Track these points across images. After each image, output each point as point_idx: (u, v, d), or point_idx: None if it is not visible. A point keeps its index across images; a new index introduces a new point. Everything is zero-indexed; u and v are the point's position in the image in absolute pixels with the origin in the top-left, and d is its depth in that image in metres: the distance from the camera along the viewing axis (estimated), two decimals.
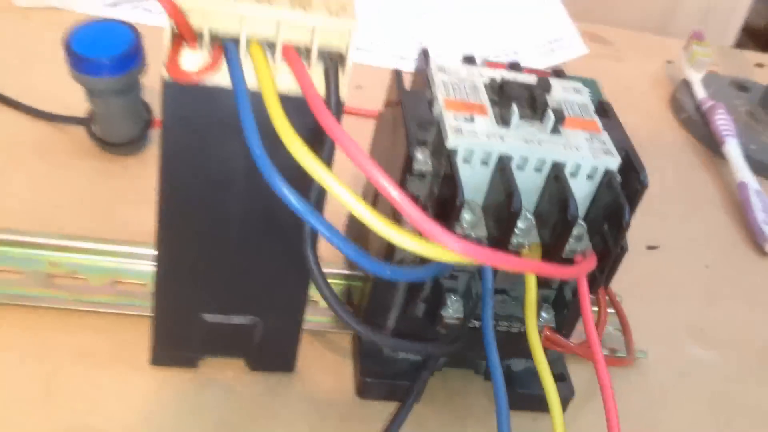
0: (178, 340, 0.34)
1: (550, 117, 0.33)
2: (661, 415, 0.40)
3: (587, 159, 0.32)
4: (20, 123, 0.46)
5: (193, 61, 0.27)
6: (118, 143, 0.44)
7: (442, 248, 0.26)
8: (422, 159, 0.32)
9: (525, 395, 0.37)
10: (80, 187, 0.43)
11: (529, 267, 0.30)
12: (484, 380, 0.39)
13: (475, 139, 0.32)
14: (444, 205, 0.32)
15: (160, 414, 0.34)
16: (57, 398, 0.33)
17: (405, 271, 0.31)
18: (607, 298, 0.39)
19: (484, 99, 0.34)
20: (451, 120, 0.32)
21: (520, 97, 0.34)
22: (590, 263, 0.32)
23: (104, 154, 0.45)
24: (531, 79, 0.36)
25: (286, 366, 0.36)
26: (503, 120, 0.33)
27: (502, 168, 0.32)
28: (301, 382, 0.36)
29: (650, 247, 0.51)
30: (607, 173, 0.33)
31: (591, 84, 0.48)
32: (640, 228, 0.51)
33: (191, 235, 0.31)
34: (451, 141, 0.31)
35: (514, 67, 0.38)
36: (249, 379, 0.36)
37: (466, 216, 0.32)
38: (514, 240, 0.32)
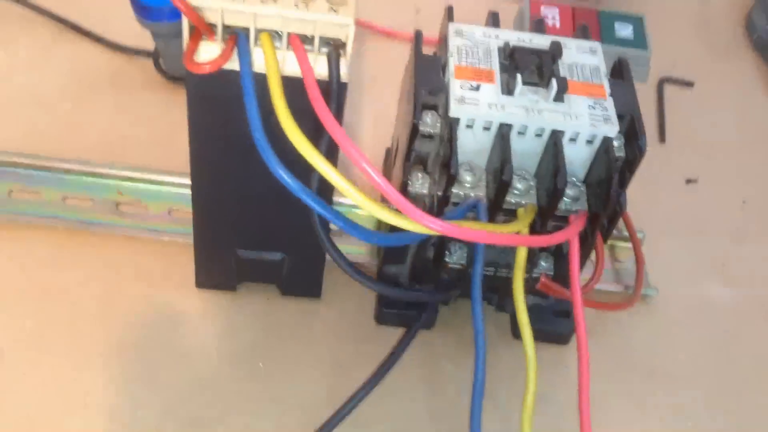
0: (215, 270, 0.40)
1: (554, 86, 0.35)
2: (661, 351, 0.43)
3: (585, 127, 0.34)
4: (95, 54, 0.51)
5: (210, 50, 0.30)
6: (181, 77, 0.49)
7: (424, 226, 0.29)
8: (431, 122, 0.35)
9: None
10: (147, 117, 0.48)
11: (511, 241, 0.33)
12: (495, 311, 0.43)
13: (477, 109, 0.34)
14: (446, 166, 0.35)
15: (202, 332, 0.40)
16: (113, 314, 0.40)
17: (390, 236, 0.35)
18: (606, 249, 0.41)
19: (495, 65, 0.36)
20: (456, 89, 0.35)
21: (528, 64, 0.36)
22: (577, 226, 0.34)
23: (170, 86, 0.49)
24: (546, 42, 0.37)
25: (313, 292, 0.41)
26: (508, 88, 0.35)
27: (502, 136, 0.34)
28: (326, 308, 0.41)
29: (689, 181, 0.52)
30: (605, 140, 0.35)
31: (635, 21, 0.48)
32: (680, 160, 0.53)
33: (221, 185, 0.36)
34: (453, 110, 0.34)
35: (538, 25, 0.39)
36: (280, 303, 0.41)
37: (467, 177, 0.35)
38: (512, 200, 0.35)
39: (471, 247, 0.37)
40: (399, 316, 0.41)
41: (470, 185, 0.35)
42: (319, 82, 0.30)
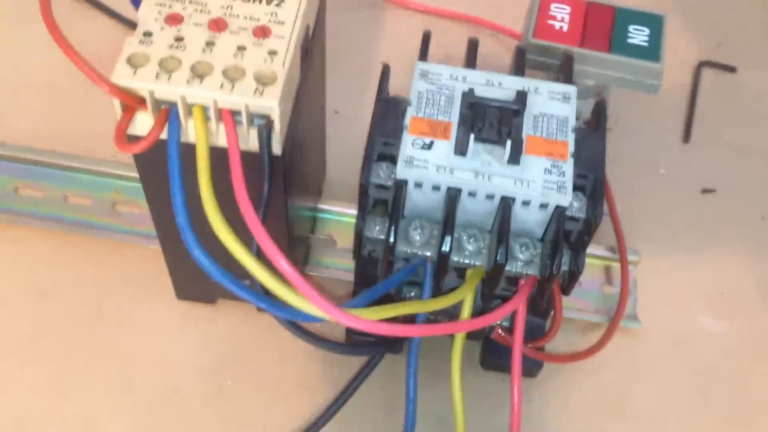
0: (191, 284, 0.42)
1: (507, 148, 0.33)
2: (635, 392, 0.43)
3: (537, 195, 0.33)
4: (112, 31, 0.52)
5: (146, 121, 0.31)
6: None
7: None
8: (384, 175, 0.35)
9: (494, 362, 0.42)
10: None
11: (431, 331, 0.32)
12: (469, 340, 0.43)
13: (425, 172, 0.33)
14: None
15: (179, 343, 0.42)
16: (100, 319, 0.42)
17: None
18: (600, 271, 0.41)
19: (454, 115, 0.35)
20: (407, 147, 0.34)
21: (487, 119, 0.34)
22: (524, 294, 0.34)
23: None
24: (518, 85, 0.35)
25: None
26: (460, 148, 0.34)
27: (449, 199, 0.34)
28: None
29: (706, 191, 0.49)
30: (558, 208, 0.34)
31: (654, 23, 0.45)
32: (701, 165, 0.50)
33: None
34: (400, 173, 0.33)
35: (519, 58, 0.37)
36: (255, 318, 0.43)
37: (416, 236, 0.35)
38: (463, 260, 0.35)
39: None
40: (369, 342, 0.42)
41: (420, 243, 0.35)
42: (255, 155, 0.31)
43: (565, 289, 0.37)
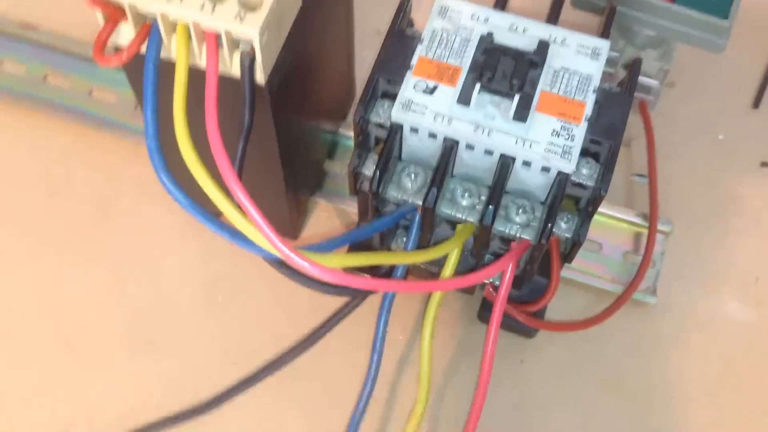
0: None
1: (514, 103, 0.31)
2: (638, 364, 0.40)
3: (538, 158, 0.30)
4: None
5: (129, 33, 0.29)
6: None
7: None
8: (383, 115, 0.32)
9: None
10: None
11: (401, 287, 0.31)
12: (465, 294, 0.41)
13: (421, 118, 0.31)
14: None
15: (178, 252, 0.42)
16: (108, 218, 0.43)
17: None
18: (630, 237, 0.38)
19: (466, 61, 0.32)
20: (408, 89, 0.31)
21: (500, 67, 0.31)
22: (509, 259, 0.32)
23: None
24: (543, 33, 0.32)
25: (286, 233, 0.42)
26: (464, 97, 0.31)
27: (444, 151, 0.31)
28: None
29: (766, 164, 0.45)
30: (560, 174, 0.31)
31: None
32: (762, 136, 0.45)
33: None
34: (395, 115, 0.31)
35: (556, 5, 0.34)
36: None
37: (407, 183, 0.33)
38: (456, 214, 0.33)
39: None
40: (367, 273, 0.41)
41: (411, 191, 0.33)
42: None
43: (567, 257, 0.34)
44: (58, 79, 0.46)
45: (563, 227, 0.33)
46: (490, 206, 0.31)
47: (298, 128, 0.37)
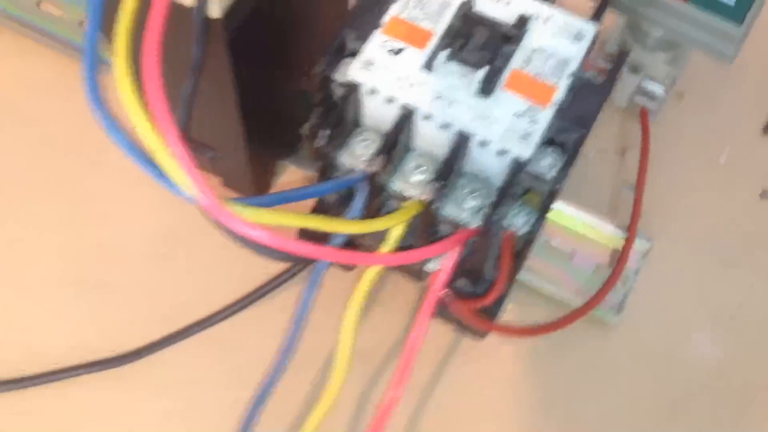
0: None
1: (479, 76, 0.28)
2: (580, 387, 0.38)
3: (495, 139, 0.28)
4: None
5: None
6: None
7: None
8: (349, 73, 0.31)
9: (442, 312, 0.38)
10: None
11: (318, 254, 0.29)
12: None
13: (380, 80, 0.29)
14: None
15: (139, 198, 0.40)
16: (80, 157, 0.41)
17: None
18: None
19: (441, 25, 0.30)
20: (373, 48, 0.29)
21: (474, 37, 0.29)
22: (446, 246, 0.30)
23: None
24: (526, 8, 0.30)
25: (253, 190, 0.40)
26: (429, 62, 0.29)
27: (398, 118, 0.29)
28: None
29: (765, 195, 0.42)
30: (514, 161, 0.28)
31: None
32: (762, 164, 0.42)
33: None
34: (351, 73, 0.29)
35: None
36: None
37: (358, 150, 0.31)
38: (406, 191, 0.31)
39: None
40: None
41: (363, 159, 0.31)
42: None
43: (518, 254, 0.32)
44: (50, 7, 0.44)
45: (519, 222, 0.31)
46: (437, 183, 0.29)
47: (268, 79, 0.35)
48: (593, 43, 0.30)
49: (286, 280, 0.37)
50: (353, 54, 0.31)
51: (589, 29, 0.30)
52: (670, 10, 0.37)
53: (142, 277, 0.39)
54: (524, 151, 0.28)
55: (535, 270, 0.39)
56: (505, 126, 0.28)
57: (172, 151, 0.26)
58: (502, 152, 0.29)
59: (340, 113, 0.30)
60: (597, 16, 0.31)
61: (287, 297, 0.37)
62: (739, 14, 0.37)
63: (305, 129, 0.31)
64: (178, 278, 0.39)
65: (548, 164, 0.29)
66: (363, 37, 0.30)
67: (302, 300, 0.31)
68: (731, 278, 0.40)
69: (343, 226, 0.30)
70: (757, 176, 0.42)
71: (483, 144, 0.29)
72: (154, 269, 0.39)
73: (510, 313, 0.38)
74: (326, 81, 0.30)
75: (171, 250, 0.40)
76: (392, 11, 0.30)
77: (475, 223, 0.30)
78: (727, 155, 0.43)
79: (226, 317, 0.37)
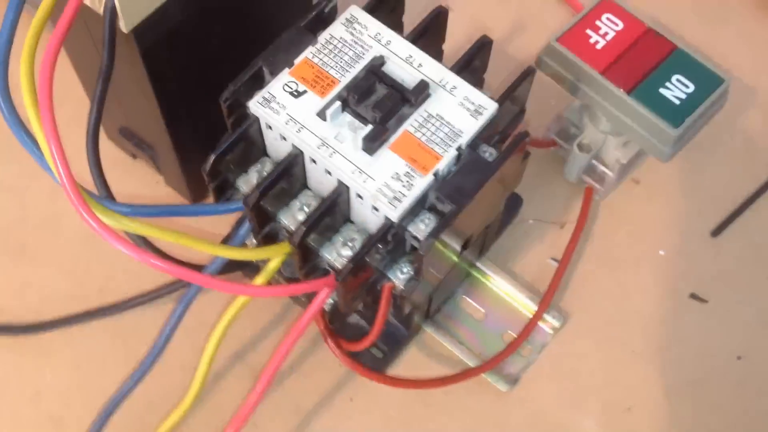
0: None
1: (364, 132, 0.29)
2: None
3: (367, 195, 0.29)
4: None
5: None
6: None
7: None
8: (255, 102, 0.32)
9: None
10: None
11: (187, 276, 0.29)
12: None
13: (274, 117, 0.30)
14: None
15: None
16: None
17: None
18: None
19: (348, 76, 0.31)
20: (276, 85, 0.30)
21: (377, 94, 0.30)
22: (309, 287, 0.30)
23: None
24: (432, 75, 0.31)
25: (188, 194, 0.42)
26: (323, 111, 0.30)
27: (288, 156, 0.30)
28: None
29: (695, 297, 0.41)
30: (387, 218, 0.29)
31: (709, 83, 0.37)
32: (705, 268, 0.41)
33: None
34: (251, 106, 0.30)
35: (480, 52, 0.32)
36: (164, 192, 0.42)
37: (253, 178, 0.32)
38: (285, 223, 0.31)
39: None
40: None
41: (253, 186, 0.32)
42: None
43: (397, 307, 0.33)
44: None
45: (400, 276, 0.32)
46: (304, 228, 0.29)
47: (197, 93, 0.35)
48: (491, 121, 0.30)
49: (169, 293, 0.39)
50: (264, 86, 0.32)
51: (489, 106, 0.30)
52: (614, 99, 0.37)
53: (67, 249, 0.41)
54: (392, 212, 0.29)
55: (444, 325, 0.40)
56: (379, 185, 0.29)
57: (48, 142, 0.27)
58: (374, 209, 0.29)
59: (246, 139, 0.31)
60: (504, 95, 0.31)
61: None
62: (679, 117, 0.36)
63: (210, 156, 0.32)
64: (103, 257, 0.41)
65: (422, 229, 0.30)
66: (274, 72, 0.31)
67: (170, 318, 0.32)
68: (634, 371, 0.39)
69: (217, 250, 0.31)
70: (692, 276, 0.41)
71: (359, 196, 0.30)
72: (81, 245, 0.41)
73: (410, 361, 0.39)
74: (235, 107, 0.32)
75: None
76: (307, 53, 0.31)
77: (340, 266, 0.31)
78: (667, 250, 0.42)
79: (129, 308, 0.39)
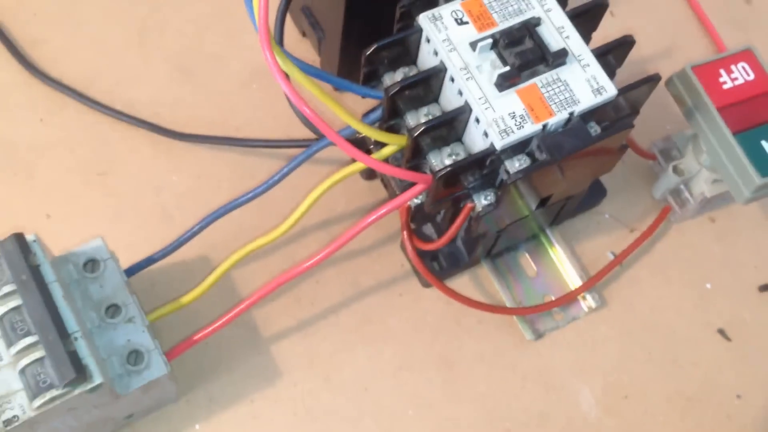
0: None
1: (497, 72, 0.35)
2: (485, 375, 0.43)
3: (485, 121, 0.34)
4: None
5: None
6: None
7: None
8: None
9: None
10: None
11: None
12: None
13: (434, 33, 0.36)
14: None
15: None
16: None
17: None
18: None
19: (504, 24, 0.36)
20: (447, 9, 0.36)
21: (525, 45, 0.35)
22: (416, 176, 0.36)
23: None
24: (572, 47, 0.36)
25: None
26: (475, 43, 0.35)
27: (433, 69, 0.36)
28: None
29: (721, 333, 0.45)
30: (488, 149, 0.35)
31: None
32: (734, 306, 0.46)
33: None
34: (420, 17, 0.36)
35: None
36: None
37: (398, 76, 0.38)
38: (406, 119, 0.38)
39: None
40: None
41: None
42: None
43: (470, 226, 0.39)
44: None
45: (483, 201, 0.37)
46: (425, 126, 0.35)
47: None
48: (607, 104, 0.35)
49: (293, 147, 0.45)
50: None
51: (611, 91, 0.35)
52: (714, 132, 0.41)
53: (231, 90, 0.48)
54: (498, 142, 0.34)
55: (500, 268, 0.45)
56: (498, 117, 0.35)
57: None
58: (485, 134, 0.35)
59: (405, 44, 0.37)
60: (622, 91, 0.36)
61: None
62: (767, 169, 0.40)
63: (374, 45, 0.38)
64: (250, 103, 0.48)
65: (517, 165, 0.35)
66: None
67: (290, 161, 0.39)
68: (646, 372, 0.44)
69: (354, 122, 0.37)
70: (727, 316, 0.46)
71: (477, 120, 0.35)
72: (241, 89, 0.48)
73: (460, 285, 0.45)
74: (406, 16, 0.38)
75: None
76: None
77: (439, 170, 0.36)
78: (714, 286, 0.46)
79: (256, 146, 0.46)
